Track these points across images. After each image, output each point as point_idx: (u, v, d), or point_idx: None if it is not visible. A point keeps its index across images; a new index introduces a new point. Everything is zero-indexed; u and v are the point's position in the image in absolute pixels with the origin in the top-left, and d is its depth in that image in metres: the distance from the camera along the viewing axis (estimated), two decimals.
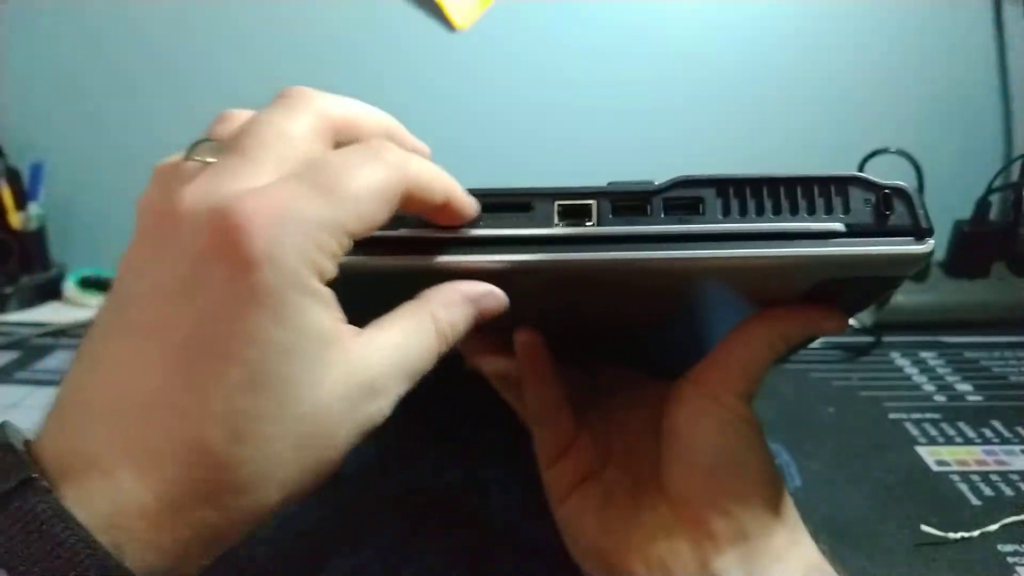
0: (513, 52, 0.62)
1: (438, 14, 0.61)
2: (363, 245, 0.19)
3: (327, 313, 0.16)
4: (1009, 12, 0.59)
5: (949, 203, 0.52)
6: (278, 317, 0.15)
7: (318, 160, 0.17)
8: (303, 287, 0.16)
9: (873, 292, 0.25)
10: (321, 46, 0.63)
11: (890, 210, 0.20)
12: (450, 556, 0.32)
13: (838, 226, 0.20)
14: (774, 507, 0.24)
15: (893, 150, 0.50)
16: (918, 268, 0.21)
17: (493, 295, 0.21)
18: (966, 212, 0.53)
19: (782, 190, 0.20)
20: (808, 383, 0.46)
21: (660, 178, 0.21)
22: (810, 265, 0.20)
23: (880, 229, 0.20)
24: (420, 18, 0.61)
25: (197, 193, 0.16)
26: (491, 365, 0.30)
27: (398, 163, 0.18)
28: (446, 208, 0.20)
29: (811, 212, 0.20)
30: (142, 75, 0.65)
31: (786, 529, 0.24)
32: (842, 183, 0.20)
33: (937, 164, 0.51)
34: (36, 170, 0.65)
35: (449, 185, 0.20)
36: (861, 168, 0.49)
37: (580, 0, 0.61)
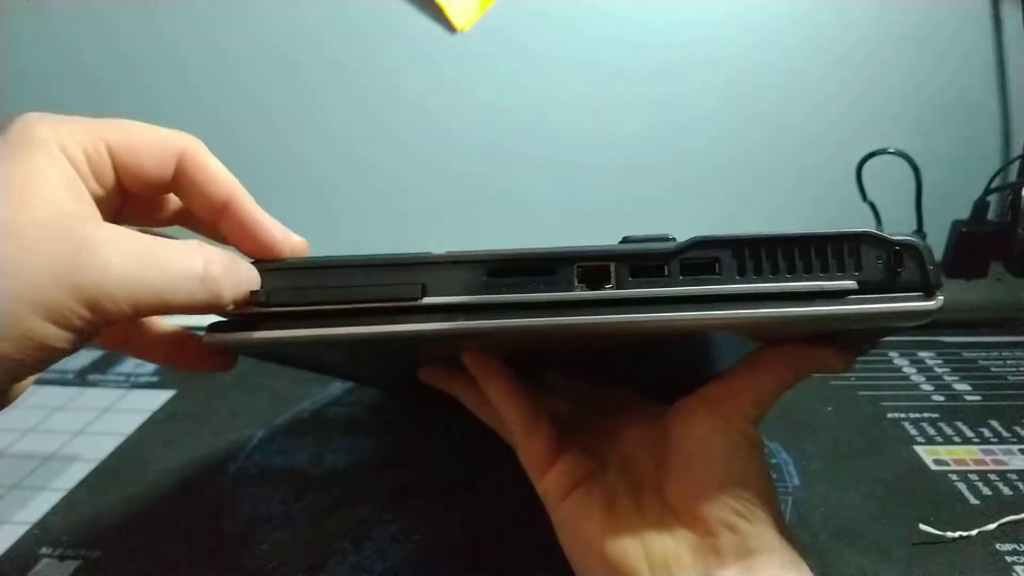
0: (515, 51, 0.62)
1: (439, 15, 0.61)
2: (403, 313, 0.21)
3: (65, 179, 0.18)
4: (1007, 12, 0.60)
5: (947, 203, 0.52)
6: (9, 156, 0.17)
7: None
8: (44, 147, 0.18)
9: (879, 335, 0.27)
10: (324, 46, 0.63)
11: (901, 267, 0.21)
12: (449, 555, 0.32)
13: (851, 284, 0.21)
14: (775, 526, 0.25)
15: (891, 150, 0.50)
16: (926, 321, 0.21)
17: (249, 271, 0.21)
18: (964, 212, 0.53)
19: (796, 250, 0.21)
20: (806, 382, 0.46)
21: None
22: (823, 320, 0.21)
23: (891, 285, 0.21)
24: (422, 19, 0.61)
25: None
26: (459, 393, 0.32)
27: (182, 133, 0.20)
28: (228, 214, 0.20)
29: (824, 270, 0.21)
30: (143, 75, 0.65)
31: (784, 550, 0.24)
32: (854, 240, 0.21)
33: (935, 164, 0.51)
34: None
35: (233, 185, 0.20)
36: (860, 168, 0.49)
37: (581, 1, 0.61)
